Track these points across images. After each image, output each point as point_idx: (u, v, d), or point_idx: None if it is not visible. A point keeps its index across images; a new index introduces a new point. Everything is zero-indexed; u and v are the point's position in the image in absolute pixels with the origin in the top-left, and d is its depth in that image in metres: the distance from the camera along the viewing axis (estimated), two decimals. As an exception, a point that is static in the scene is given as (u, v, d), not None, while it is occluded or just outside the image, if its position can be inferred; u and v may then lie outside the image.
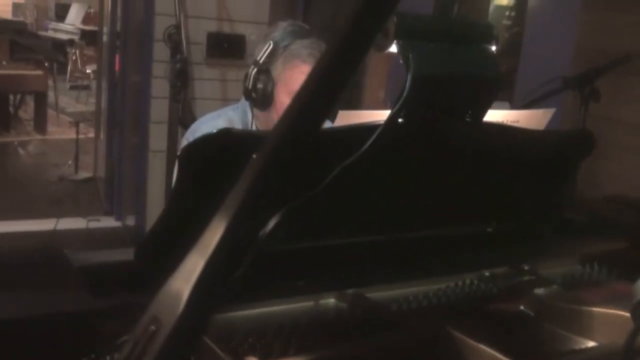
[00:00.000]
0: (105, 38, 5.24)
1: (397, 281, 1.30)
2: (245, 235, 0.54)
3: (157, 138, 3.97)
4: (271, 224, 0.83)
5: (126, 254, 1.09)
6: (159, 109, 3.93)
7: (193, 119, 3.79)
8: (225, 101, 4.20)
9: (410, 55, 1.09)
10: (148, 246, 1.08)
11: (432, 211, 1.33)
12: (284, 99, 1.80)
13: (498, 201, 1.39)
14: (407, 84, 1.09)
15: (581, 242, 1.62)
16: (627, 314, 1.35)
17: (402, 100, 1.06)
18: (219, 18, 4.03)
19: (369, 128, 1.11)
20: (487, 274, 1.44)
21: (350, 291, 1.24)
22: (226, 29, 4.07)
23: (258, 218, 0.56)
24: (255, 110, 1.88)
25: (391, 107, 1.14)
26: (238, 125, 1.93)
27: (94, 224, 4.35)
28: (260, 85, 1.78)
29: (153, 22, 3.87)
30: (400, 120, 1.13)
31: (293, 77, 1.78)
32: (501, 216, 1.42)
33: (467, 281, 1.41)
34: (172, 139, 3.71)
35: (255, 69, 1.79)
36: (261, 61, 1.79)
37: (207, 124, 1.92)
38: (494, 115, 1.25)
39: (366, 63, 4.18)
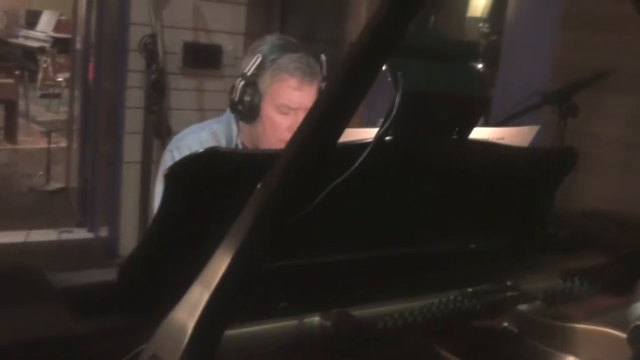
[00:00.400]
0: (78, 46, 5.18)
1: (383, 299, 1.29)
2: (252, 266, 0.53)
3: (132, 149, 3.93)
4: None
5: (109, 274, 1.06)
6: (134, 119, 3.89)
7: (169, 130, 3.76)
8: (202, 111, 4.17)
9: (399, 73, 1.09)
10: (132, 266, 1.05)
11: (417, 228, 1.33)
12: (270, 112, 1.79)
13: (483, 218, 1.39)
14: (396, 102, 1.08)
15: (563, 257, 1.62)
16: (610, 330, 1.37)
17: (391, 119, 1.06)
18: (196, 28, 4.02)
19: (358, 146, 1.11)
20: (470, 290, 1.44)
21: (334, 309, 1.23)
22: (203, 39, 4.06)
23: (265, 248, 0.55)
24: (240, 123, 1.87)
25: (380, 125, 1.14)
26: (222, 138, 1.91)
27: (66, 236, 4.28)
28: (247, 98, 1.78)
29: (128, 31, 3.84)
30: (388, 138, 1.13)
31: (280, 91, 1.78)
32: (485, 232, 1.42)
33: (452, 298, 1.41)
34: (147, 150, 3.67)
35: (243, 82, 1.78)
36: (249, 74, 1.78)
37: (191, 137, 1.90)
38: (480, 133, 1.26)
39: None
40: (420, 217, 1.31)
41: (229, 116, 1.91)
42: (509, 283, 1.49)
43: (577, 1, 2.31)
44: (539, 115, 2.08)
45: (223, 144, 1.91)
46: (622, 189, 2.12)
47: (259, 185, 0.55)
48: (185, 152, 1.85)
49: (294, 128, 1.79)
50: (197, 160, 0.98)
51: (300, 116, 1.81)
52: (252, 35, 4.18)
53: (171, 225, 1.02)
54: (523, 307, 1.45)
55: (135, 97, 3.84)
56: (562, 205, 1.68)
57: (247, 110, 1.79)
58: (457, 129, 1.21)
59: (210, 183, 1.00)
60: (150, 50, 3.61)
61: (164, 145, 3.67)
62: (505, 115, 1.98)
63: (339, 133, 0.62)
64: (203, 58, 4.07)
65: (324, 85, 1.84)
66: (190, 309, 0.49)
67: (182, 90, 4.04)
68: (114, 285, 1.05)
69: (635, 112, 2.09)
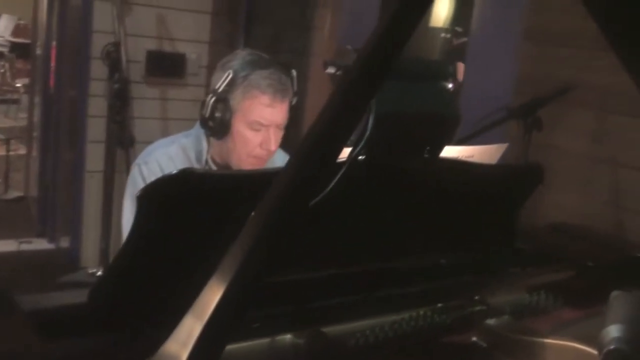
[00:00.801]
0: (38, 51, 5.09)
1: (354, 315, 1.30)
2: (246, 295, 0.53)
3: (94, 158, 3.88)
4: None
5: (80, 296, 1.05)
6: (96, 128, 3.84)
7: (132, 140, 3.72)
8: (165, 120, 4.14)
9: (371, 93, 1.09)
10: (103, 288, 1.04)
11: (388, 245, 1.33)
12: (241, 128, 1.79)
13: (452, 234, 1.41)
14: (369, 123, 1.09)
15: (528, 271, 1.65)
16: (576, 345, 1.39)
17: (364, 139, 1.06)
18: (159, 36, 3.98)
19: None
20: (440, 305, 1.45)
21: (306, 328, 1.23)
22: (167, 47, 4.02)
23: (259, 278, 0.55)
24: (210, 138, 1.85)
25: (352, 144, 1.14)
26: (191, 152, 1.90)
27: (25, 246, 4.20)
28: (218, 114, 1.76)
29: (90, 38, 3.79)
30: (360, 157, 1.13)
31: (252, 108, 1.77)
32: (455, 248, 1.43)
33: (421, 313, 1.42)
34: (110, 160, 3.62)
35: (214, 98, 1.76)
36: (220, 90, 1.76)
37: (159, 151, 1.88)
38: (450, 151, 1.27)
39: (307, 85, 4.19)
40: (390, 234, 1.32)
41: (198, 130, 1.90)
42: (477, 298, 1.50)
43: (538, 16, 2.35)
44: (504, 128, 2.11)
45: (192, 158, 1.89)
46: (585, 201, 2.16)
47: (253, 213, 0.55)
48: (154, 167, 1.85)
49: (265, 144, 1.80)
50: (170, 181, 0.97)
51: (272, 132, 1.81)
52: (216, 44, 4.16)
53: (144, 247, 1.01)
54: (491, 321, 1.48)
55: (97, 105, 3.79)
56: (527, 218, 1.70)
57: (218, 127, 1.77)
58: (428, 148, 1.22)
59: (184, 205, 0.99)
60: (113, 58, 3.57)
61: (127, 155, 3.64)
62: (471, 128, 2.01)
63: (342, 146, 0.63)
64: (167, 67, 4.04)
65: (294, 100, 1.84)
66: (183, 341, 0.49)
67: (145, 99, 4.00)
68: (85, 307, 1.03)
69: (597, 126, 2.13)
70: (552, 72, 2.27)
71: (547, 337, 1.40)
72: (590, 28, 0.86)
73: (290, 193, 0.59)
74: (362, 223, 1.26)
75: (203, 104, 1.79)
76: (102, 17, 3.71)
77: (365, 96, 0.65)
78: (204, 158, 1.87)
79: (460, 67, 3.51)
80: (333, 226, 1.23)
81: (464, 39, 3.03)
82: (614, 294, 0.91)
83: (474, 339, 1.43)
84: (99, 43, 3.69)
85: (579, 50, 2.13)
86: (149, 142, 4.04)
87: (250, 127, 1.79)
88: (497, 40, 2.46)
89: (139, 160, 1.89)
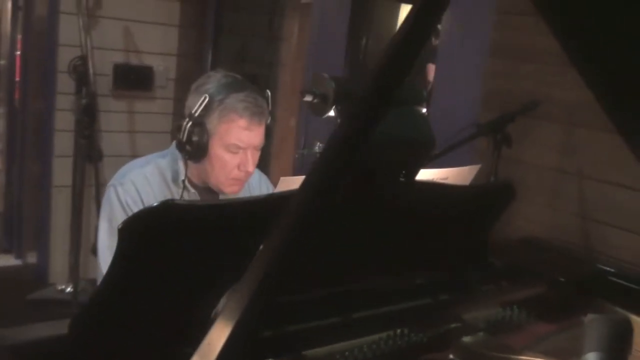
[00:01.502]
0: (2, 62, 5.00)
1: (333, 337, 1.31)
2: (251, 334, 0.54)
3: (62, 172, 3.84)
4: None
5: (59, 328, 1.04)
6: (63, 142, 3.79)
7: (100, 154, 3.70)
8: (133, 133, 4.11)
9: (349, 121, 1.11)
10: (84, 319, 1.04)
11: (366, 266, 1.35)
12: (219, 151, 1.79)
13: (428, 254, 1.43)
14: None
15: (502, 286, 1.68)
16: (549, 360, 1.42)
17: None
18: (126, 49, 3.95)
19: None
20: (416, 324, 1.47)
21: (287, 353, 1.24)
22: (133, 60, 3.99)
23: (263, 317, 0.56)
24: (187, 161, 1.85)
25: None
26: (167, 172, 1.89)
27: (-9, 262, 4.12)
28: (195, 138, 1.76)
29: (56, 52, 3.74)
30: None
31: (229, 131, 1.77)
32: (431, 268, 1.45)
33: (399, 332, 1.43)
34: (78, 174, 3.59)
35: (190, 122, 1.76)
36: (196, 114, 1.76)
37: (135, 171, 1.87)
38: (425, 174, 1.29)
39: (275, 95, 4.20)
40: (367, 257, 1.34)
41: (174, 151, 1.89)
42: (453, 315, 1.53)
43: (503, 32, 2.39)
44: (473, 145, 2.15)
45: (169, 178, 1.89)
46: (554, 214, 2.21)
47: (258, 252, 0.56)
48: (130, 187, 1.83)
49: (243, 166, 1.81)
50: (152, 213, 0.98)
51: (249, 154, 1.81)
52: (184, 57, 4.15)
53: (126, 280, 1.00)
54: (467, 339, 1.50)
55: (65, 120, 3.75)
56: (498, 232, 1.73)
57: (196, 150, 1.77)
58: (404, 172, 1.24)
59: (166, 237, 1.00)
60: (80, 72, 3.54)
61: (96, 169, 3.61)
62: (442, 144, 2.03)
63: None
64: (134, 79, 4.01)
65: (269, 119, 1.85)
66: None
67: (112, 112, 3.97)
68: (65, 340, 1.03)
69: (564, 139, 2.18)
70: (519, 87, 2.31)
71: (521, 354, 1.44)
72: (555, 44, 0.88)
73: (300, 225, 0.61)
74: (339, 247, 1.27)
75: (179, 128, 1.78)
76: (68, 30, 3.67)
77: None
78: (180, 179, 1.86)
79: (431, 68, 3.55)
80: (310, 251, 1.24)
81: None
82: (589, 317, 0.93)
83: (451, 356, 1.46)
84: (65, 57, 3.66)
85: (545, 66, 2.18)
86: (117, 156, 4.04)
87: (227, 149, 1.79)
88: (464, 54, 2.50)
89: (114, 181, 1.87)
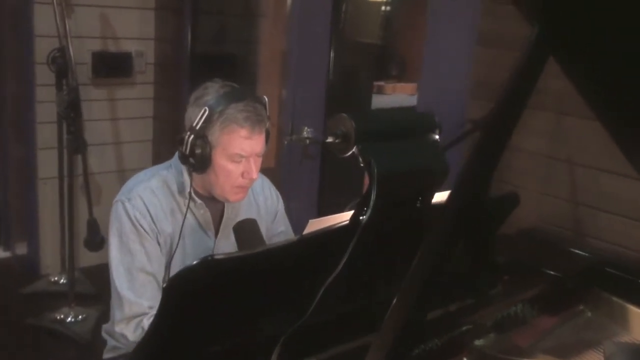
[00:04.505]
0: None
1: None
2: None
3: (47, 165, 3.82)
4: None
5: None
6: (46, 134, 3.77)
7: (85, 144, 3.67)
8: (115, 121, 4.09)
9: (372, 159, 1.16)
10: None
11: (389, 283, 1.41)
12: (222, 161, 1.82)
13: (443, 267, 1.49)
14: (374, 186, 1.15)
15: (505, 283, 1.75)
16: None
17: (372, 203, 1.13)
18: (103, 36, 3.91)
19: (337, 230, 1.17)
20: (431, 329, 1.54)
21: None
22: (111, 47, 3.95)
23: None
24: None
25: (356, 208, 1.20)
26: (173, 184, 1.91)
27: (-20, 256, 4.12)
28: (198, 151, 1.79)
29: (33, 43, 3.69)
30: (361, 217, 1.19)
31: (231, 142, 1.80)
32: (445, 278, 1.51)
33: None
34: (66, 167, 3.56)
35: (192, 135, 1.79)
36: (197, 127, 1.79)
37: (141, 186, 1.89)
38: (437, 196, 1.34)
39: (256, 73, 4.20)
40: (383, 280, 1.40)
41: (177, 162, 1.91)
42: (464, 320, 1.60)
43: (491, 21, 2.42)
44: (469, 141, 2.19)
45: (175, 190, 1.91)
46: (545, 200, 2.28)
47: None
48: (138, 203, 1.86)
49: (247, 173, 1.84)
50: (193, 271, 1.01)
51: (252, 161, 1.85)
52: (162, 40, 4.11)
53: (170, 333, 1.05)
54: (479, 341, 1.58)
55: (46, 112, 3.71)
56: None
57: (199, 162, 1.80)
58: (420, 198, 1.29)
59: (208, 291, 1.04)
60: (59, 64, 3.49)
61: (84, 159, 3.58)
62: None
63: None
64: (113, 67, 3.98)
65: (268, 125, 1.88)
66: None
67: (93, 100, 3.94)
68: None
69: (555, 127, 2.24)
70: (506, 74, 2.35)
71: (531, 355, 1.52)
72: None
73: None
74: (355, 274, 1.32)
75: (181, 141, 1.81)
76: (44, 20, 3.61)
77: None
78: (186, 190, 1.89)
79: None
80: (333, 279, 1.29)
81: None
82: (608, 346, 1.00)
83: (465, 359, 1.54)
84: (42, 48, 3.61)
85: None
86: (101, 144, 4.01)
87: (231, 159, 1.82)
88: (451, 45, 2.53)
89: (121, 196, 1.89)
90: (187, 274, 1.01)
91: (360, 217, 1.19)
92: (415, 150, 1.26)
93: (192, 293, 1.02)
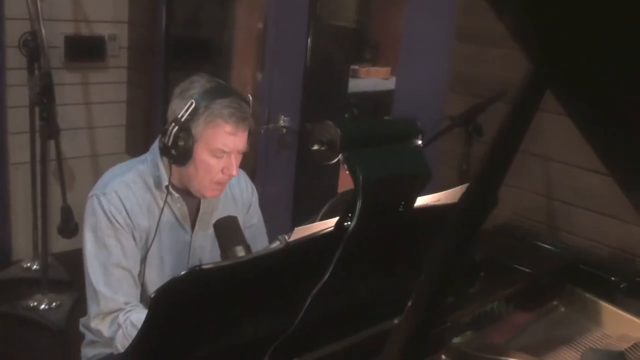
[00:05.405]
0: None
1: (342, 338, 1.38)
2: None
3: (18, 149, 3.77)
4: None
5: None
6: (18, 119, 3.71)
7: (58, 129, 3.62)
8: (88, 105, 4.03)
9: (357, 166, 1.16)
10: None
11: (374, 286, 1.43)
12: (204, 156, 1.82)
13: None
14: (359, 194, 1.16)
15: (484, 283, 1.78)
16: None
17: (358, 210, 1.14)
18: (76, 19, 3.84)
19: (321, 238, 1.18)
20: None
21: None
22: (84, 30, 3.89)
23: None
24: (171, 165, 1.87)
25: (340, 214, 1.21)
26: (149, 178, 1.91)
27: (-50, 242, 4.05)
28: (181, 143, 1.79)
29: (4, 26, 3.61)
30: (346, 223, 1.20)
31: (215, 136, 1.80)
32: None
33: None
34: (39, 152, 3.51)
35: (177, 127, 1.78)
36: (182, 119, 1.78)
37: (116, 180, 1.88)
38: (420, 200, 1.35)
39: (231, 57, 4.17)
40: (376, 277, 1.41)
41: (154, 155, 1.90)
42: (443, 318, 1.63)
43: (468, 17, 2.43)
44: (445, 137, 2.21)
45: (151, 184, 1.91)
46: (520, 194, 2.31)
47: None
48: (113, 197, 1.85)
49: (227, 169, 1.85)
50: (182, 282, 1.02)
51: (233, 158, 1.85)
52: (136, 24, 4.06)
53: (158, 342, 1.05)
54: (457, 339, 1.61)
55: (17, 96, 3.65)
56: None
57: (181, 154, 1.80)
58: (403, 203, 1.30)
59: (195, 300, 1.04)
60: (31, 48, 3.43)
61: (57, 145, 3.52)
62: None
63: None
64: (86, 50, 3.92)
65: (252, 124, 1.88)
66: None
67: (66, 84, 3.88)
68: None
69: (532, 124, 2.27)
70: (485, 72, 2.37)
71: (507, 352, 1.56)
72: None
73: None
74: (342, 279, 1.33)
75: (165, 132, 1.81)
76: (14, 2, 3.54)
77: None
78: (163, 184, 1.89)
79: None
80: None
81: None
82: (587, 355, 1.03)
83: (443, 357, 1.57)
84: (12, 31, 3.54)
85: (511, 50, 2.24)
86: (73, 129, 3.96)
87: (212, 154, 1.83)
88: (428, 40, 2.54)
89: (96, 191, 1.88)
90: (175, 284, 1.02)
91: (345, 224, 1.20)
92: (400, 156, 1.27)
93: (179, 303, 1.02)
